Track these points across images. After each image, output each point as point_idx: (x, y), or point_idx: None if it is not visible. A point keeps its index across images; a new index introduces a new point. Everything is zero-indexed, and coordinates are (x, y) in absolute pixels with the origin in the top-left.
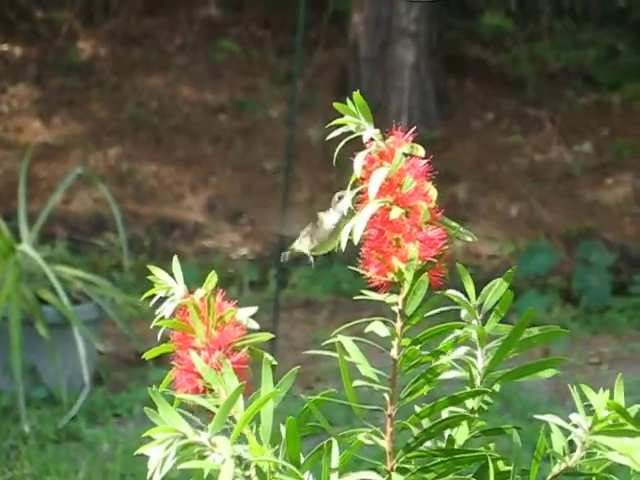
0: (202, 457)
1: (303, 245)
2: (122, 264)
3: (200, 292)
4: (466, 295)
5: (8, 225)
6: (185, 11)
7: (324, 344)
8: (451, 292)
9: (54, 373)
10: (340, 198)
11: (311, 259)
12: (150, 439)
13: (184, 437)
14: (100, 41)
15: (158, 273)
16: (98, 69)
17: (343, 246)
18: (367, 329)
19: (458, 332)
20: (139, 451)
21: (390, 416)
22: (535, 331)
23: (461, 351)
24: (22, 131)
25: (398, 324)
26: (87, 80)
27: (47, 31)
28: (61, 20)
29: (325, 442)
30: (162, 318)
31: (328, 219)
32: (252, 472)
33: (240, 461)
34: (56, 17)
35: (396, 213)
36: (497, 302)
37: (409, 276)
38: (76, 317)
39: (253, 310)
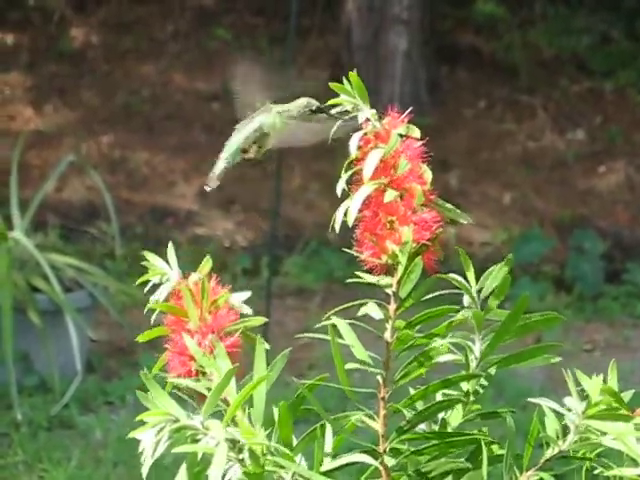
0: (195, 441)
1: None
2: (114, 252)
3: (194, 276)
4: (465, 279)
5: (0, 212)
6: None
7: (317, 326)
8: (452, 276)
9: (46, 361)
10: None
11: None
12: (143, 423)
13: (176, 420)
14: (92, 29)
15: (152, 259)
16: (90, 57)
17: (337, 228)
18: (361, 311)
19: (454, 316)
20: (131, 435)
21: (383, 399)
22: (532, 317)
23: (458, 335)
24: (14, 119)
25: (392, 306)
26: (79, 68)
27: (39, 18)
28: (53, 7)
29: (318, 424)
30: (156, 302)
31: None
32: (245, 455)
33: (233, 444)
34: (48, 4)
35: (390, 195)
36: (494, 288)
37: (403, 259)
38: (68, 305)
39: (246, 295)
